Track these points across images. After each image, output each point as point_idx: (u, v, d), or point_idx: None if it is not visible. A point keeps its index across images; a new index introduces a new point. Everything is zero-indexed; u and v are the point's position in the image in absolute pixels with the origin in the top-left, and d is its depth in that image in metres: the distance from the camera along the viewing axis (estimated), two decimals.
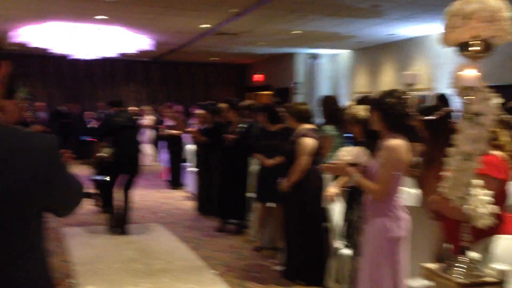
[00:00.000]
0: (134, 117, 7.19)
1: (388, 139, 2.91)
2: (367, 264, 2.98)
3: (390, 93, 2.95)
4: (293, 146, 4.50)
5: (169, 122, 10.25)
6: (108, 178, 6.75)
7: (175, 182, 10.16)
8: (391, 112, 2.88)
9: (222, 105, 7.30)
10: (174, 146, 10.03)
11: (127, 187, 6.67)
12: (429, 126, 3.15)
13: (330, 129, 5.43)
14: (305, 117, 4.61)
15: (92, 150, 6.85)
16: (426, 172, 3.20)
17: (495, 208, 2.57)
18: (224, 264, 5.37)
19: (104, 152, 6.41)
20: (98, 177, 7.11)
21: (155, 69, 16.87)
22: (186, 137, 10.05)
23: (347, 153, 3.09)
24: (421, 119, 3.16)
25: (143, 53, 12.82)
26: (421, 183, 3.45)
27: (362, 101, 5.35)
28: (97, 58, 12.49)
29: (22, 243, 1.46)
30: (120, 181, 6.60)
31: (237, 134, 6.45)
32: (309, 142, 4.47)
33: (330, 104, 5.75)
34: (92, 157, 6.99)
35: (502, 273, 2.47)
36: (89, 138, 7.75)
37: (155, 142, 14.08)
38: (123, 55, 12.99)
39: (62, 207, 1.68)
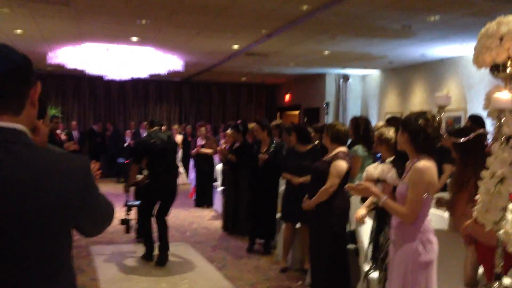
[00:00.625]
0: (172, 139, 6.49)
1: (417, 160, 2.85)
2: None
3: (420, 114, 2.91)
4: (326, 167, 4.46)
5: (200, 141, 10.33)
6: (137, 202, 6.42)
7: (203, 201, 10.19)
8: (420, 134, 2.83)
9: (251, 125, 7.33)
10: (204, 166, 10.07)
11: (163, 213, 6.17)
12: (461, 148, 3.08)
13: (361, 150, 5.38)
14: (343, 138, 4.57)
15: (127, 173, 6.45)
16: (457, 195, 3.12)
17: None
18: (249, 284, 5.32)
19: (140, 176, 6.19)
20: (133, 202, 6.83)
21: (186, 89, 17.10)
22: (216, 157, 10.12)
23: (373, 169, 3.04)
24: (453, 141, 3.10)
25: (174, 73, 13.03)
26: (451, 206, 3.36)
27: (390, 121, 5.28)
28: (130, 79, 12.75)
29: (52, 264, 1.46)
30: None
31: (268, 154, 6.46)
32: (343, 165, 4.42)
33: (362, 124, 5.71)
34: (127, 181, 6.53)
35: None
36: (125, 160, 7.05)
37: (185, 161, 14.23)
38: (155, 75, 13.23)
39: (92, 227, 1.68)
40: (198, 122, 14.27)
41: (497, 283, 2.45)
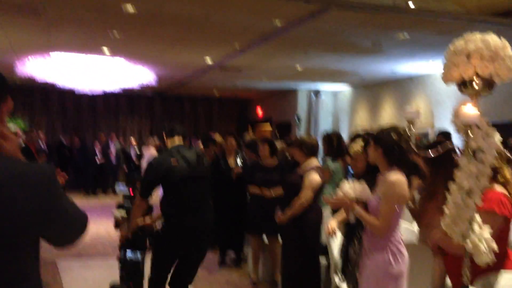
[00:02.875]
0: (204, 159, 4.07)
1: (388, 173, 2.90)
2: None
3: (392, 129, 2.96)
4: (299, 180, 4.48)
5: None
6: (139, 256, 3.94)
7: None
8: (394, 148, 2.89)
9: (218, 137, 7.33)
10: None
11: (184, 281, 4.04)
12: (431, 162, 3.15)
13: (332, 164, 5.43)
14: (315, 151, 4.61)
15: (128, 211, 4.22)
16: (426, 204, 3.19)
17: (494, 246, 2.53)
18: None
19: (149, 219, 3.94)
20: (131, 254, 3.98)
21: (158, 103, 17.00)
22: None
23: (351, 188, 3.08)
24: (423, 155, 3.17)
25: (146, 87, 12.96)
26: (419, 218, 3.43)
27: (356, 136, 5.36)
28: (101, 92, 12.61)
29: (16, 273, 1.43)
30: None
31: (239, 167, 6.46)
32: (316, 178, 4.46)
33: (334, 140, 5.78)
34: (126, 222, 4.11)
35: None
36: (128, 188, 4.90)
37: None
38: (127, 90, 13.12)
39: (61, 237, 1.64)
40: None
41: None
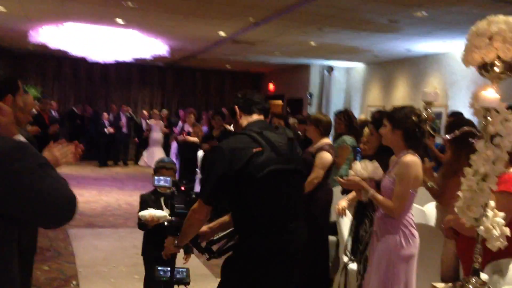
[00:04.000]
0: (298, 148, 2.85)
1: (403, 155, 2.88)
2: (376, 281, 2.94)
3: (410, 110, 2.93)
4: (310, 158, 4.47)
5: (188, 128, 10.25)
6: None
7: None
8: (415, 131, 2.86)
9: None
10: (190, 153, 10.00)
11: None
12: (453, 140, 3.14)
13: (349, 140, 5.41)
14: (328, 130, 4.59)
15: (176, 215, 2.83)
16: (448, 181, 3.19)
17: (507, 231, 2.52)
18: None
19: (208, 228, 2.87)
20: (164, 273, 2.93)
21: (169, 74, 16.94)
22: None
23: (363, 168, 3.06)
24: (441, 137, 3.15)
25: (158, 58, 12.89)
26: (440, 193, 3.44)
27: (376, 116, 5.32)
28: (114, 61, 12.58)
29: None
30: None
31: None
32: (328, 157, 4.44)
33: (349, 117, 5.76)
34: (172, 231, 2.83)
35: None
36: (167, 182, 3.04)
37: (165, 147, 14.18)
38: (139, 60, 13.08)
39: (37, 217, 1.55)
40: (180, 108, 14.24)
41: (474, 278, 2.50)
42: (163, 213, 3.32)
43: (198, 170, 9.33)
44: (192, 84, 17.27)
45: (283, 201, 2.55)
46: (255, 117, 2.72)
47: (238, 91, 2.89)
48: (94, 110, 15.27)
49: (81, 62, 14.18)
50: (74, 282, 4.82)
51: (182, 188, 2.91)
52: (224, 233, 2.77)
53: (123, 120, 14.61)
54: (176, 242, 2.73)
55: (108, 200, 9.10)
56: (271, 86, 16.93)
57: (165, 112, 15.11)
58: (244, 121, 2.72)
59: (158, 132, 14.36)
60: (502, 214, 2.54)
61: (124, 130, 14.62)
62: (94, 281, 4.85)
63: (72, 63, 15.40)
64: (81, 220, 7.36)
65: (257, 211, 2.51)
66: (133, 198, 9.43)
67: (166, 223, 2.95)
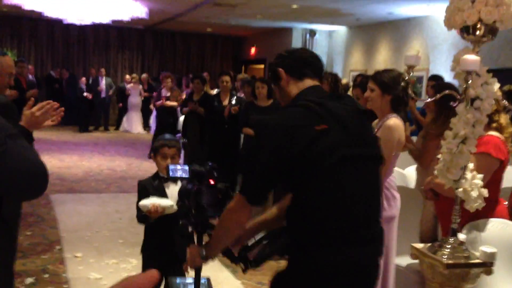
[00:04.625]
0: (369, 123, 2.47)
1: (388, 119, 2.91)
2: None
3: (398, 75, 2.94)
4: None
5: (165, 93, 10.15)
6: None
7: None
8: (403, 97, 2.89)
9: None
10: (169, 118, 9.95)
11: None
12: (435, 102, 3.17)
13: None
14: None
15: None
16: (428, 143, 3.24)
17: (485, 193, 2.58)
18: None
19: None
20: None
21: (149, 38, 16.62)
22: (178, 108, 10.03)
23: None
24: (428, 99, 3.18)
25: (137, 20, 12.60)
26: (420, 155, 3.50)
27: (361, 80, 5.32)
28: (91, 24, 12.27)
29: None
30: None
31: (233, 107, 6.41)
32: None
33: (335, 80, 5.72)
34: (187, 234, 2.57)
35: (489, 255, 2.49)
36: (184, 171, 2.24)
37: (144, 111, 14.06)
38: (117, 22, 12.77)
39: (5, 190, 1.50)
40: (161, 72, 14.04)
41: (452, 238, 2.57)
42: (169, 202, 2.74)
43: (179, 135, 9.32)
44: (172, 47, 16.99)
45: (359, 198, 1.87)
46: (308, 82, 2.02)
47: (285, 50, 2.14)
48: (72, 74, 14.96)
49: (57, 24, 13.80)
50: (57, 247, 4.83)
51: (211, 181, 2.02)
52: (262, 235, 2.06)
53: (102, 84, 14.38)
54: (203, 252, 2.01)
55: (90, 166, 9.05)
56: (252, 50, 16.76)
57: (144, 76, 14.90)
58: (294, 88, 2.02)
59: (136, 96, 14.21)
60: (480, 176, 2.60)
61: (103, 94, 14.41)
62: (77, 246, 4.86)
63: (48, 25, 14.98)
64: (63, 185, 7.33)
65: (323, 212, 1.83)
66: (115, 163, 9.39)
67: (180, 217, 2.42)
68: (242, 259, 2.02)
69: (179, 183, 2.69)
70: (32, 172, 1.48)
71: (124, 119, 14.70)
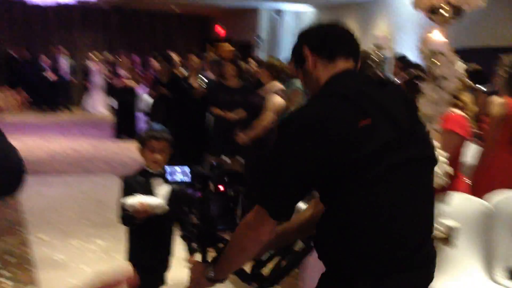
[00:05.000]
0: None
1: None
2: None
3: (367, 55, 2.96)
4: (262, 101, 4.48)
5: (123, 72, 9.99)
6: None
7: (123, 132, 10.00)
8: (374, 77, 2.92)
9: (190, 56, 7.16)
10: (128, 96, 9.85)
11: None
12: (405, 84, 3.23)
13: (299, 83, 5.42)
14: (280, 74, 4.60)
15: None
16: None
17: (450, 169, 2.66)
18: None
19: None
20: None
21: (114, 18, 16.22)
22: (140, 89, 9.93)
23: None
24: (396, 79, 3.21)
25: (101, 0, 12.29)
26: None
27: None
28: (54, 3, 11.88)
29: None
30: None
31: (203, 87, 6.37)
32: (278, 101, 4.47)
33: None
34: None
35: (450, 229, 2.57)
36: (185, 174, 2.01)
37: (106, 91, 13.77)
38: (81, 1, 12.41)
39: None
40: (124, 51, 13.76)
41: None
42: (157, 201, 2.43)
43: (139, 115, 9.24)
44: (138, 27, 16.64)
45: (411, 213, 1.48)
46: (342, 64, 1.59)
47: (312, 25, 1.73)
48: (33, 54, 14.49)
49: (18, 4, 13.29)
50: (21, 229, 4.73)
51: (221, 187, 1.72)
52: (275, 250, 1.76)
53: (62, 64, 13.96)
54: (211, 273, 1.62)
55: (53, 147, 8.86)
56: (219, 30, 16.59)
57: (109, 56, 14.55)
58: (324, 72, 1.59)
59: (99, 76, 13.92)
60: (445, 153, 2.67)
61: (64, 74, 14.00)
62: (43, 228, 4.77)
63: (7, 5, 14.40)
64: (27, 168, 7.15)
65: (366, 233, 1.43)
66: (80, 145, 9.22)
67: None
68: (256, 277, 1.68)
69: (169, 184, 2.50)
70: (10, 169, 1.37)
71: (88, 99, 14.40)
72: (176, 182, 1.94)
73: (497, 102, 3.57)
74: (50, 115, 13.36)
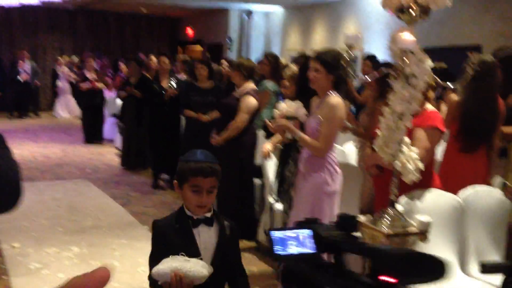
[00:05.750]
0: None
1: (328, 97, 2.98)
2: (302, 217, 3.09)
3: (338, 54, 3.01)
4: (236, 103, 4.50)
5: (88, 74, 9.85)
6: None
7: (93, 136, 9.88)
8: (344, 77, 2.96)
9: (153, 58, 7.12)
10: (94, 100, 9.73)
11: None
12: (377, 81, 3.29)
13: (271, 85, 5.45)
14: (252, 74, 4.62)
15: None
16: (371, 122, 3.37)
17: (421, 165, 2.72)
18: (155, 218, 5.35)
19: None
20: None
21: (81, 19, 15.95)
22: (109, 92, 9.84)
23: (287, 107, 3.15)
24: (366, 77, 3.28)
25: (67, 1, 12.07)
26: (367, 132, 3.64)
27: (299, 59, 5.37)
28: (18, 5, 11.63)
29: None
30: None
31: (176, 89, 6.34)
32: (252, 101, 4.49)
33: (275, 61, 5.75)
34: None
35: (424, 224, 2.64)
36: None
37: (74, 94, 13.54)
38: (46, 3, 12.18)
39: None
40: (91, 53, 13.55)
41: (391, 208, 2.69)
42: (200, 268, 1.80)
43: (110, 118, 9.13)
44: (106, 29, 16.41)
45: None
46: None
47: None
48: None
49: None
50: None
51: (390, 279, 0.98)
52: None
53: (25, 68, 13.62)
54: None
55: (22, 153, 8.65)
56: (189, 31, 16.52)
57: (75, 59, 14.30)
58: None
59: (67, 80, 13.66)
60: (417, 150, 2.73)
61: (27, 78, 13.63)
62: (15, 236, 4.67)
63: None
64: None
65: None
66: (49, 150, 9.05)
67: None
68: None
69: (215, 226, 1.98)
70: (11, 185, 1.24)
71: (57, 103, 14.12)
72: (290, 257, 1.11)
73: (453, 99, 3.72)
74: (17, 120, 13.07)
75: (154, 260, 1.87)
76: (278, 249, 1.11)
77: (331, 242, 1.10)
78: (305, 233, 1.13)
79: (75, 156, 8.64)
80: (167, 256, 1.82)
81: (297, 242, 1.13)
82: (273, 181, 4.30)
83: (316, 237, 1.11)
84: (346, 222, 1.15)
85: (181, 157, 2.06)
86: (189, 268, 1.77)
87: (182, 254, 1.81)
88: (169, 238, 1.94)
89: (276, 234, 1.12)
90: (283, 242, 1.13)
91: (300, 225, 1.17)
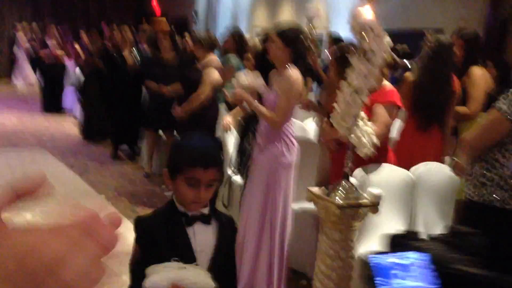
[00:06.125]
0: None
1: (286, 70, 3.00)
2: (258, 188, 3.12)
3: (298, 30, 3.03)
4: (197, 76, 4.46)
5: (50, 42, 9.57)
6: None
7: (52, 106, 9.66)
8: (303, 51, 2.98)
9: (115, 28, 6.98)
10: (55, 70, 9.48)
11: None
12: (336, 59, 3.33)
13: (234, 59, 5.42)
14: (214, 46, 4.58)
15: None
16: (332, 98, 3.43)
17: (376, 140, 2.79)
18: (112, 189, 5.30)
19: None
20: None
21: None
22: (69, 62, 9.59)
23: (245, 77, 3.15)
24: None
25: None
26: (326, 107, 3.70)
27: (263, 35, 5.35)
28: None
29: None
30: None
31: (136, 61, 6.24)
32: (215, 75, 4.47)
33: (238, 36, 5.73)
34: None
35: (376, 197, 2.72)
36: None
37: (34, 63, 13.14)
38: None
39: None
40: (52, 21, 13.11)
41: (344, 181, 2.76)
42: (202, 278, 1.45)
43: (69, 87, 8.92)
44: None
45: None
46: None
47: None
48: None
49: None
50: None
51: None
52: None
53: None
54: None
55: None
56: (155, 4, 16.17)
57: (35, 25, 13.81)
58: None
59: (27, 48, 13.20)
60: (373, 125, 2.79)
61: None
62: None
63: None
64: None
65: None
66: (5, 118, 8.79)
67: None
68: None
69: (214, 224, 1.64)
70: None
71: (15, 72, 13.65)
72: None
73: (409, 78, 3.82)
74: None
75: (139, 267, 1.46)
76: (381, 282, 0.71)
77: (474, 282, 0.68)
78: (416, 259, 0.73)
79: (32, 124, 8.43)
80: (156, 262, 1.43)
81: (407, 272, 0.70)
82: (233, 154, 4.32)
83: (440, 268, 0.71)
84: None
85: (175, 141, 1.71)
86: (193, 279, 1.40)
87: (175, 260, 1.44)
88: (157, 239, 1.55)
89: (376, 260, 0.75)
90: (385, 271, 0.74)
91: (401, 243, 0.74)
